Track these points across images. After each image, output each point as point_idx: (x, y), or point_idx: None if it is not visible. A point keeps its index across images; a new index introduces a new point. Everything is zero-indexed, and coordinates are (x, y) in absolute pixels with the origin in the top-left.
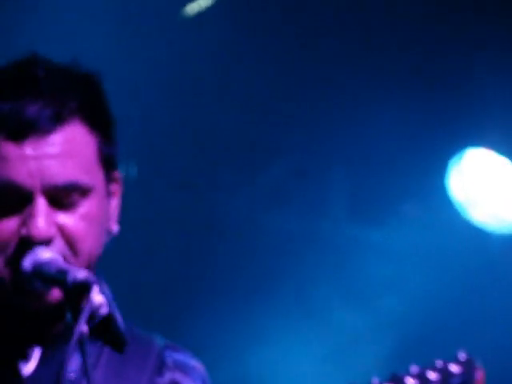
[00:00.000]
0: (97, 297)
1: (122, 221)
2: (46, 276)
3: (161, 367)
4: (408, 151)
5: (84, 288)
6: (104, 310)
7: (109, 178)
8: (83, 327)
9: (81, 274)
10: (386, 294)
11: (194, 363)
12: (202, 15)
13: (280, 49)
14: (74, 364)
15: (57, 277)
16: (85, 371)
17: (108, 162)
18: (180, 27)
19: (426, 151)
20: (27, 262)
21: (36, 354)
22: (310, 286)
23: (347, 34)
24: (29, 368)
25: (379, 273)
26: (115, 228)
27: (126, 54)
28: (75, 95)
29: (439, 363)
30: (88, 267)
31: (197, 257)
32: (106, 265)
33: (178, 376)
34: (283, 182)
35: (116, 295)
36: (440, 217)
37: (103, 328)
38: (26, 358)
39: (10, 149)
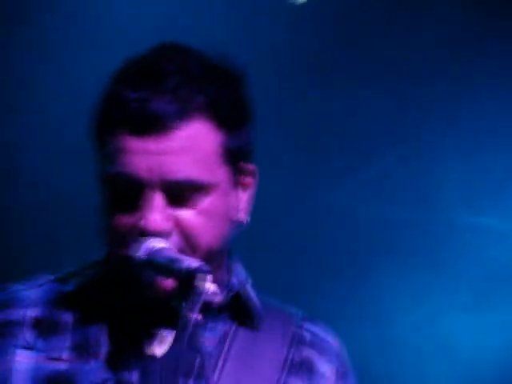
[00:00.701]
0: (209, 285)
1: None
2: (158, 265)
3: (299, 342)
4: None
5: (196, 276)
6: (217, 299)
7: (237, 172)
8: (197, 316)
9: (193, 263)
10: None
11: (331, 339)
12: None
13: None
14: (206, 345)
15: (168, 265)
16: (201, 359)
17: (235, 156)
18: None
19: None
20: (141, 252)
21: (169, 337)
22: (420, 274)
23: None
24: (161, 349)
25: (498, 260)
26: (245, 219)
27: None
28: (203, 90)
29: None
30: (208, 261)
31: (299, 249)
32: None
33: (313, 354)
34: (391, 173)
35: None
36: None
37: (237, 306)
38: (160, 339)
39: (133, 142)
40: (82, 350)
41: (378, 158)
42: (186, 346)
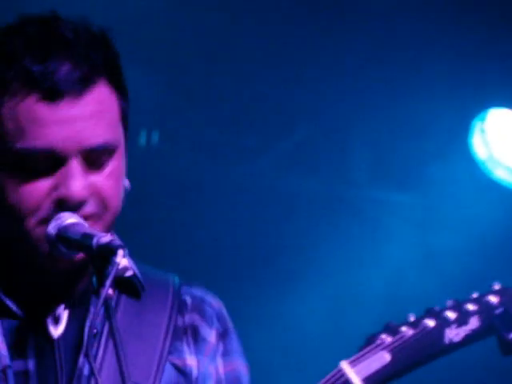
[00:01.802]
0: (121, 260)
1: (144, 189)
2: (71, 241)
3: (180, 307)
4: (431, 111)
5: (109, 251)
6: (129, 273)
7: (126, 133)
8: (109, 291)
9: (105, 238)
10: (407, 255)
11: (211, 299)
12: None
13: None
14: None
15: (81, 241)
16: (112, 333)
17: (126, 118)
18: None
19: (449, 111)
20: (51, 228)
21: (64, 316)
22: (331, 249)
23: None
24: (58, 330)
25: (402, 236)
26: (127, 183)
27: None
28: (99, 55)
29: (475, 295)
30: (112, 227)
31: (218, 223)
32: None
33: (196, 319)
34: (305, 147)
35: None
36: (463, 176)
37: (123, 282)
38: (54, 320)
39: (44, 111)
40: None
41: (289, 133)
42: (80, 324)
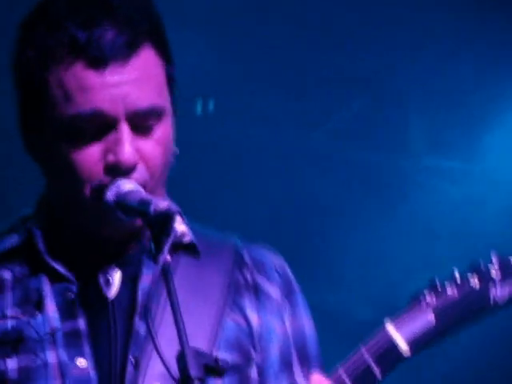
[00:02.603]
0: (179, 226)
1: (199, 156)
2: (129, 207)
3: (241, 265)
4: (485, 84)
5: (166, 218)
6: (187, 239)
7: (173, 99)
8: (167, 257)
9: (163, 204)
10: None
11: (272, 258)
12: None
13: None
14: (146, 282)
15: (139, 208)
16: (170, 298)
17: (173, 83)
18: None
19: (503, 84)
20: (110, 194)
21: (117, 278)
22: (389, 219)
23: None
24: (112, 291)
25: (459, 204)
26: (176, 150)
27: None
28: (145, 20)
29: (496, 259)
30: (161, 191)
31: (274, 192)
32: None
33: (257, 277)
34: (362, 117)
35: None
36: None
37: (177, 245)
38: (106, 281)
39: (91, 77)
40: (26, 304)
41: (347, 104)
42: (133, 286)
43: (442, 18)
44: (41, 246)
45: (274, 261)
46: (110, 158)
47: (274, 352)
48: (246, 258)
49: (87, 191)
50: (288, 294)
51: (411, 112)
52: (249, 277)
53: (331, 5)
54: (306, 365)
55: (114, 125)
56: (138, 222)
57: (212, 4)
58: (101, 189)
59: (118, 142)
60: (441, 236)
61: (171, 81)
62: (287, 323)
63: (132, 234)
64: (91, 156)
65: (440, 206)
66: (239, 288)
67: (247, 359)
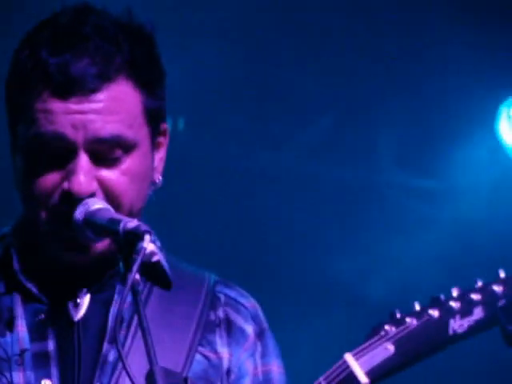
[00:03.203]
0: (148, 245)
1: (168, 174)
2: (98, 225)
3: (213, 302)
4: (458, 97)
5: (136, 237)
6: (155, 258)
7: (154, 132)
8: (136, 276)
9: (132, 223)
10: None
11: (246, 301)
12: None
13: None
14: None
15: (108, 226)
16: (139, 319)
17: (154, 117)
18: None
19: (476, 97)
20: (79, 213)
21: (85, 301)
22: (358, 236)
23: None
24: (79, 315)
25: (428, 222)
26: (159, 180)
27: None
28: (123, 52)
29: (480, 284)
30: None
31: (242, 210)
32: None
33: (230, 313)
34: (330, 134)
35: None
36: (489, 162)
37: (150, 269)
38: (75, 304)
39: (56, 104)
40: None
41: (314, 121)
42: (102, 309)
43: (410, 33)
44: (16, 265)
45: (247, 303)
46: (65, 185)
47: None
48: (220, 295)
49: (43, 217)
50: (260, 334)
51: (380, 128)
52: (221, 313)
53: (292, 23)
54: None
55: (73, 153)
56: (99, 246)
57: (185, 20)
58: (59, 211)
59: (73, 171)
60: (410, 254)
61: (152, 115)
62: (259, 364)
63: (103, 259)
64: (49, 181)
65: (409, 223)
66: (210, 323)
67: None
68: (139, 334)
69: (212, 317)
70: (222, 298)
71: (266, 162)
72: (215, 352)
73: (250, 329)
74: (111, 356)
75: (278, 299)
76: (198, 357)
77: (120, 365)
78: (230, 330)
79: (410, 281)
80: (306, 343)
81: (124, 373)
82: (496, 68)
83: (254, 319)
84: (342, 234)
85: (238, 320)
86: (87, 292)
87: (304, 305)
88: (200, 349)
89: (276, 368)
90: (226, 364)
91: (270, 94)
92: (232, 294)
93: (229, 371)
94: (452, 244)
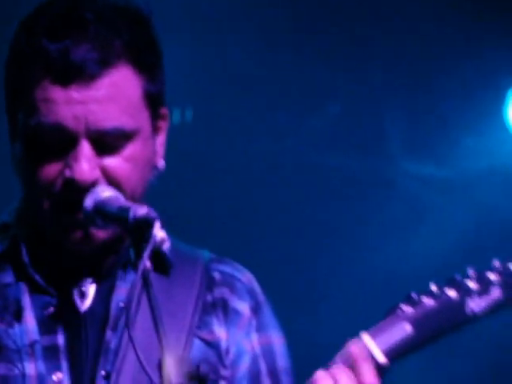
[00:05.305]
0: (159, 232)
1: (176, 167)
2: (108, 214)
3: (209, 283)
4: (466, 83)
5: (146, 224)
6: (166, 245)
7: (155, 116)
8: (146, 263)
9: (142, 210)
10: (445, 224)
11: (241, 275)
12: None
13: None
14: (123, 294)
15: (118, 214)
16: (152, 308)
17: (154, 101)
18: None
19: (484, 83)
20: (88, 201)
21: (90, 291)
22: (367, 225)
23: None
24: (85, 304)
25: (435, 207)
26: (161, 164)
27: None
28: (122, 36)
29: (497, 264)
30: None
31: (250, 201)
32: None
33: (225, 292)
34: (338, 122)
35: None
36: (498, 148)
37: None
38: (81, 295)
39: (57, 92)
40: (3, 313)
41: (322, 109)
42: (107, 298)
43: (418, 20)
44: (25, 257)
45: (242, 277)
46: (67, 173)
47: (243, 368)
48: (215, 275)
49: (46, 206)
50: (256, 308)
51: (387, 115)
52: (217, 294)
53: (300, 10)
54: (276, 378)
55: (75, 142)
56: (102, 234)
57: (191, 11)
58: (61, 200)
59: (75, 159)
60: (418, 242)
61: (152, 99)
62: (255, 338)
63: (106, 247)
64: (51, 170)
65: (418, 211)
66: (207, 306)
67: (216, 375)
68: (142, 320)
69: (209, 298)
70: (217, 276)
71: (273, 152)
72: (213, 333)
73: (244, 307)
74: (113, 343)
75: (286, 291)
76: (196, 341)
77: (122, 352)
78: (226, 310)
79: (424, 269)
80: (323, 330)
81: (127, 360)
82: (507, 53)
83: (250, 293)
84: (352, 223)
85: (233, 300)
86: (92, 282)
87: (315, 295)
88: (198, 332)
89: (275, 339)
90: (224, 344)
91: (277, 83)
92: (227, 269)
93: (227, 351)
94: (466, 231)
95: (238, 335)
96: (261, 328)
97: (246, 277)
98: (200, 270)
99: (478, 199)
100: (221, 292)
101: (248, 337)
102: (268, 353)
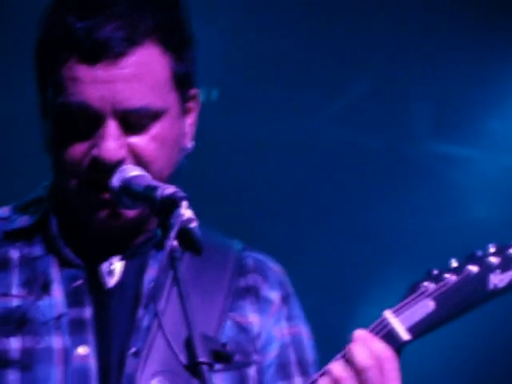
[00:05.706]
0: (186, 211)
1: (201, 145)
2: (135, 192)
3: (242, 269)
4: (492, 65)
5: (173, 203)
6: (193, 224)
7: (184, 97)
8: (173, 242)
9: (169, 189)
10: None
11: (273, 265)
12: None
13: None
14: (155, 273)
15: (145, 193)
16: (178, 289)
17: (183, 81)
18: None
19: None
20: (116, 180)
21: (118, 267)
22: (392, 206)
23: None
24: (113, 280)
25: (460, 187)
26: (190, 145)
27: None
28: (150, 16)
29: (495, 247)
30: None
31: (277, 180)
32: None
33: (258, 280)
34: (365, 103)
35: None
36: None
37: (182, 234)
38: (109, 271)
39: (83, 71)
40: (32, 286)
41: (349, 89)
42: (135, 276)
43: (444, 5)
44: (55, 230)
45: (274, 267)
46: (95, 152)
47: (272, 355)
48: (249, 261)
49: (74, 184)
50: (286, 298)
51: (413, 97)
52: (250, 280)
53: None
54: (304, 369)
55: (102, 121)
56: (130, 213)
57: None
58: (89, 179)
59: (101, 138)
60: (444, 224)
61: (181, 79)
62: (285, 327)
63: (134, 225)
64: (78, 149)
65: (444, 192)
66: (240, 291)
67: (247, 358)
68: (173, 299)
69: (242, 283)
70: (251, 262)
71: (299, 132)
72: (245, 317)
73: (275, 296)
74: (145, 321)
75: (306, 272)
76: (229, 322)
77: (154, 330)
78: (258, 297)
79: (448, 247)
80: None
81: (158, 337)
82: None
83: (281, 283)
84: (379, 202)
85: (264, 288)
86: (121, 259)
87: (334, 280)
88: (231, 314)
89: (304, 332)
90: (256, 329)
91: (304, 62)
92: (260, 257)
93: (259, 336)
94: (489, 210)
95: (269, 322)
96: (290, 318)
97: (277, 267)
98: (233, 256)
99: (502, 180)
100: (254, 279)
101: (278, 324)
102: (297, 343)
